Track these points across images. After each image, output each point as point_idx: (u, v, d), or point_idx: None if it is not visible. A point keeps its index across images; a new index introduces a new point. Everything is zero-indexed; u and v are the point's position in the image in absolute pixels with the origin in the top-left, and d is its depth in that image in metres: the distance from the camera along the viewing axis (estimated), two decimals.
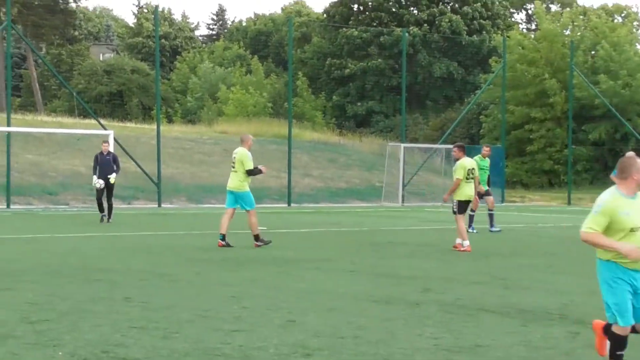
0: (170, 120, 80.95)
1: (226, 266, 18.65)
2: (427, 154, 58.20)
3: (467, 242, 22.56)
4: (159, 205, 44.28)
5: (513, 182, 66.42)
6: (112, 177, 30.97)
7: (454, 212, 23.01)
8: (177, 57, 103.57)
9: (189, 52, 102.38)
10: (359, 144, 66.62)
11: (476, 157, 28.57)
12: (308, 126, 71.89)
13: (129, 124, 66.81)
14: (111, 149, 36.79)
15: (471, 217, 28.95)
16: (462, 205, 23.22)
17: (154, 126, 51.52)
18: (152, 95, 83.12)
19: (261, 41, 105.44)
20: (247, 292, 14.70)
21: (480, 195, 28.58)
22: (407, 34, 66.15)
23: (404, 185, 52.49)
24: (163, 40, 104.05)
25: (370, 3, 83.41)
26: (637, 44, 75.27)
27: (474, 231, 28.41)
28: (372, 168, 57.96)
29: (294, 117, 67.79)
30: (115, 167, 31.40)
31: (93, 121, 51.32)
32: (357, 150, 64.15)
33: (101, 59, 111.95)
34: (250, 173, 22.75)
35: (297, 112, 76.51)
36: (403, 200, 51.58)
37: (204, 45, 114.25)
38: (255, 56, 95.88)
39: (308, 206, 47.21)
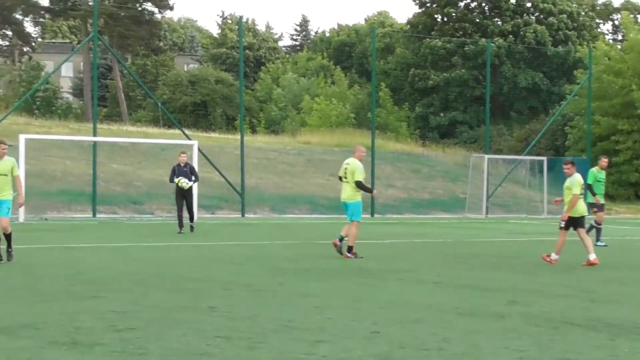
0: (253, 131, 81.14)
1: (309, 277, 18.65)
2: (512, 166, 57.86)
3: (556, 256, 22.31)
4: (243, 215, 44.52)
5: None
6: (186, 182, 30.89)
7: (560, 228, 22.60)
8: (261, 67, 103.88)
9: (272, 63, 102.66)
10: (443, 154, 66.47)
11: (594, 169, 28.46)
12: (391, 137, 71.85)
13: (212, 134, 67.31)
14: (195, 159, 37.08)
15: (598, 231, 28.62)
16: (573, 221, 22.79)
17: (238, 136, 51.80)
18: (236, 105, 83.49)
19: (344, 52, 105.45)
20: (331, 303, 14.68)
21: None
22: (491, 45, 65.73)
23: (487, 197, 52.26)
24: (247, 51, 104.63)
25: (454, 14, 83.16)
26: None
27: (603, 244, 28.02)
28: (456, 179, 57.78)
29: (377, 128, 67.90)
30: (193, 178, 31.51)
31: (177, 131, 51.76)
32: (441, 161, 64.01)
33: (185, 69, 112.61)
34: (358, 185, 22.75)
35: (380, 123, 76.45)
36: (487, 212, 51.39)
37: (287, 55, 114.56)
38: (338, 67, 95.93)
39: (391, 217, 47.16)
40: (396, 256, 24.51)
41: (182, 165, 31.28)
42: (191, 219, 31.75)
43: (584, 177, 23.90)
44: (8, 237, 20.07)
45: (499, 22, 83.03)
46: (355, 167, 22.83)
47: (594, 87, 65.78)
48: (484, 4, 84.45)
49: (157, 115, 70.51)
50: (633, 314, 14.18)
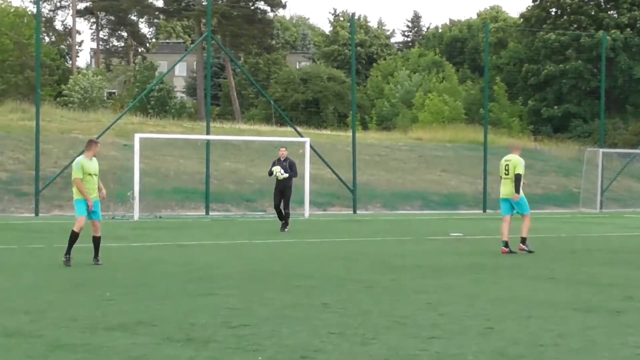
0: (365, 127, 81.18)
1: (421, 273, 18.65)
2: (627, 159, 57.19)
3: None
4: (354, 211, 44.59)
5: None
6: (281, 173, 30.84)
7: None
8: (373, 64, 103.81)
9: (384, 59, 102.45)
10: (556, 149, 65.96)
11: None
12: (504, 132, 71.32)
13: (324, 132, 67.45)
14: (307, 157, 37.24)
15: None
16: None
17: (349, 133, 51.88)
18: (348, 102, 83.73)
19: (457, 47, 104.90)
20: (444, 299, 14.67)
21: None
22: (607, 37, 64.96)
23: (602, 191, 51.74)
24: (359, 48, 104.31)
25: (568, 7, 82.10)
26: None
27: None
28: (569, 174, 57.25)
29: (489, 123, 67.68)
30: (291, 172, 31.53)
31: (289, 129, 52.02)
32: (554, 155, 63.52)
33: (297, 67, 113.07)
34: (516, 177, 23.37)
35: (492, 118, 76.10)
36: (601, 207, 50.88)
37: (399, 52, 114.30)
38: (450, 63, 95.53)
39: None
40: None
41: (282, 159, 31.38)
42: (285, 216, 31.52)
43: None
44: (97, 241, 19.71)
45: (615, 15, 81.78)
46: (517, 162, 23.47)
47: None
48: None
49: (270, 113, 71.16)
50: None
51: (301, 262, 20.69)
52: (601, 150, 53.17)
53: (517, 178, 22.99)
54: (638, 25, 79.24)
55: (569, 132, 76.66)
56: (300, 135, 45.96)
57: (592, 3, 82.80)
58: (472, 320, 12.57)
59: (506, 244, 22.97)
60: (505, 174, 23.18)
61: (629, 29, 79.05)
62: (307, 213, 40.03)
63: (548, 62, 79.83)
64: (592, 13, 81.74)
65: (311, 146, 41.89)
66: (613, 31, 77.69)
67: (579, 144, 66.09)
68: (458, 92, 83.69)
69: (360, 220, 39.90)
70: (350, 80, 57.52)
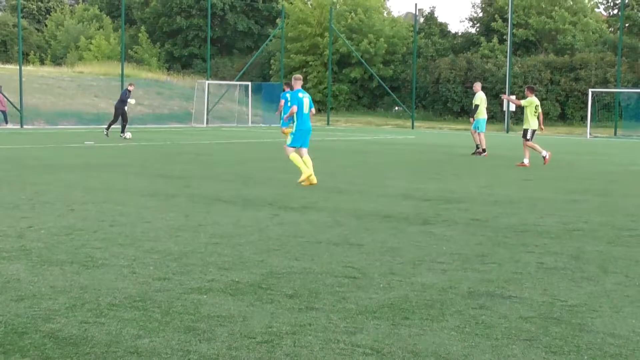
0: (42, 63, 78.62)
1: (43, 169, 18.34)
2: (227, 88, 58.24)
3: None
4: (21, 126, 43.12)
5: None
6: None
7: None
8: (48, 15, 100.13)
9: (56, 12, 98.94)
10: (182, 80, 65.80)
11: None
12: (146, 68, 70.59)
13: (9, 66, 64.48)
14: None
15: None
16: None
17: (29, 67, 50.50)
18: (29, 44, 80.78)
19: (115, 5, 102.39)
20: (47, 189, 14.55)
21: None
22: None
23: (208, 111, 52.52)
24: (39, 2, 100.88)
25: None
26: (384, 12, 76.00)
27: None
28: (189, 99, 57.38)
29: (135, 61, 67.33)
30: None
31: None
32: (180, 85, 63.31)
33: None
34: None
35: (137, 57, 75.41)
36: (207, 122, 51.63)
37: (70, 6, 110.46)
38: (109, 16, 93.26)
39: (137, 127, 46.64)
40: (120, 155, 24.32)
41: None
42: None
43: None
44: None
45: None
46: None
47: (292, 33, 67.30)
48: None
49: None
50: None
51: None
52: (207, 81, 53.85)
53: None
54: None
55: (192, 69, 76.86)
56: None
57: None
58: (58, 205, 12.57)
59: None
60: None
61: None
62: None
63: (179, 17, 79.50)
64: None
65: None
66: None
67: (198, 77, 66.27)
68: (111, 38, 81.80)
69: (26, 132, 38.66)
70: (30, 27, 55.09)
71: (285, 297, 6.84)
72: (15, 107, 43.49)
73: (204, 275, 7.61)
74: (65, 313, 6.21)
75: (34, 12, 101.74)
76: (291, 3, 71.21)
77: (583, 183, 17.91)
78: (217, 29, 78.25)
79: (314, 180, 16.11)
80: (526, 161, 22.40)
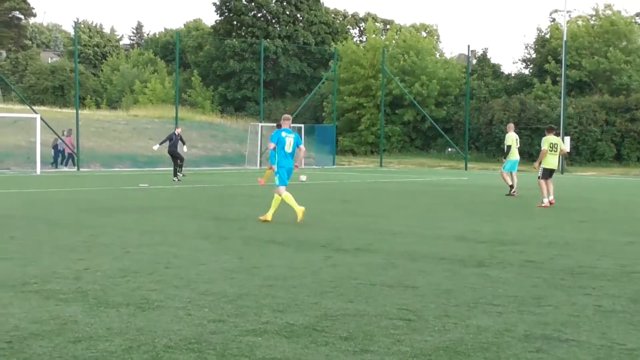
0: (98, 107, 79.97)
1: (102, 213, 18.55)
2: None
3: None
4: (78, 169, 43.74)
5: (345, 150, 67.61)
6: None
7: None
8: (104, 59, 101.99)
9: (112, 57, 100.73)
10: (235, 123, 66.40)
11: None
12: (199, 111, 71.43)
13: (65, 110, 65.65)
14: (37, 128, 36.11)
15: None
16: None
17: (85, 111, 51.57)
18: (85, 89, 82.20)
19: (169, 49, 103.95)
20: (103, 232, 14.68)
21: None
22: (271, 44, 66.05)
23: (261, 153, 52.87)
24: (95, 48, 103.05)
25: (246, 22, 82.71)
26: (436, 53, 76.22)
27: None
28: (242, 141, 57.79)
29: (190, 104, 68.26)
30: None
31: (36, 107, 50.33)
32: (234, 128, 63.89)
33: (49, 61, 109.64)
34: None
35: (191, 100, 76.37)
36: (260, 165, 51.97)
37: (125, 51, 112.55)
38: (163, 60, 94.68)
39: (192, 169, 47.02)
40: (174, 198, 24.50)
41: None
42: None
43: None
44: None
45: (278, 28, 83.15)
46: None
47: (344, 75, 67.66)
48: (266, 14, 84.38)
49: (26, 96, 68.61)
50: (318, 235, 14.62)
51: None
52: (260, 124, 54.24)
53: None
54: (292, 36, 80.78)
55: (245, 111, 77.52)
56: (35, 111, 44.59)
57: (262, 19, 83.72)
58: (114, 247, 12.70)
59: None
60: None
61: (286, 40, 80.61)
62: (38, 170, 39.31)
63: (231, 61, 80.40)
64: (264, 26, 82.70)
65: (41, 119, 40.97)
66: (277, 40, 79.12)
67: (251, 120, 66.83)
68: (165, 81, 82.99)
69: (82, 175, 39.18)
70: (87, 72, 56.18)
71: (339, 339, 6.82)
72: (72, 150, 44.17)
73: (258, 317, 7.62)
74: (122, 355, 6.26)
75: (90, 57, 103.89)
76: (344, 45, 71.73)
77: (639, 225, 17.68)
78: (270, 72, 78.97)
79: (300, 215, 16.88)
80: (545, 201, 22.17)
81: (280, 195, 17.12)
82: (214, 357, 6.20)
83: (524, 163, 57.30)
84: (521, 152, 60.02)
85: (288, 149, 17.05)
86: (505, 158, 27.28)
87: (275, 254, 12.11)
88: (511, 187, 26.74)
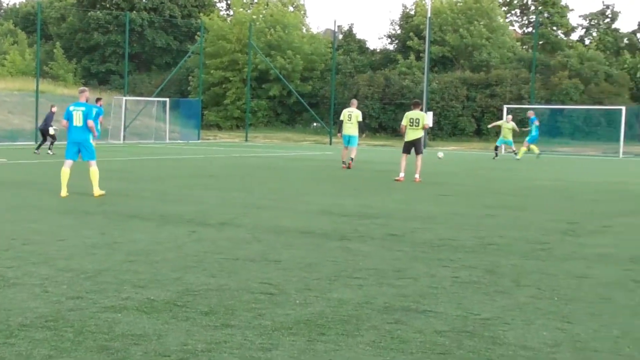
0: None
1: None
2: (144, 104, 57.77)
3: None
4: None
5: (210, 125, 67.28)
6: None
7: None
8: None
9: None
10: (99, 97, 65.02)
11: None
12: (61, 84, 69.59)
13: None
14: None
15: None
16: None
17: None
18: None
19: (30, 20, 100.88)
20: None
21: None
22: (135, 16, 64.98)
23: (125, 127, 52.00)
24: None
25: None
26: (303, 28, 76.33)
27: None
28: (106, 115, 56.69)
29: (50, 77, 66.29)
30: None
31: None
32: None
33: None
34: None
35: (52, 73, 74.42)
36: (124, 139, 51.11)
37: None
38: (23, 31, 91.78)
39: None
40: (35, 173, 23.88)
41: None
42: None
43: None
44: None
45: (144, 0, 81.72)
46: (358, 113, 28.09)
47: (211, 49, 67.15)
48: None
49: None
50: (184, 208, 14.52)
51: None
52: (124, 97, 53.36)
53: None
54: (158, 9, 79.54)
55: (109, 85, 76.09)
56: None
57: None
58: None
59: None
60: (349, 120, 28.20)
61: (152, 12, 79.37)
62: None
63: (96, 33, 78.65)
64: None
65: None
66: (143, 12, 77.83)
67: (115, 94, 65.57)
68: (26, 54, 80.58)
69: None
70: None
71: (201, 314, 6.79)
72: None
73: (118, 293, 7.51)
74: None
75: None
76: (210, 19, 71.15)
77: (498, 198, 18.20)
78: (135, 45, 77.50)
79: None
80: (401, 175, 22.74)
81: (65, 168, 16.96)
82: (71, 335, 6.07)
83: (388, 137, 58.32)
84: (386, 127, 61.24)
85: (77, 122, 16.79)
86: (339, 133, 28.61)
87: (139, 228, 11.97)
88: (344, 162, 27.90)
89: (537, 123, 38.20)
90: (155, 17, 78.67)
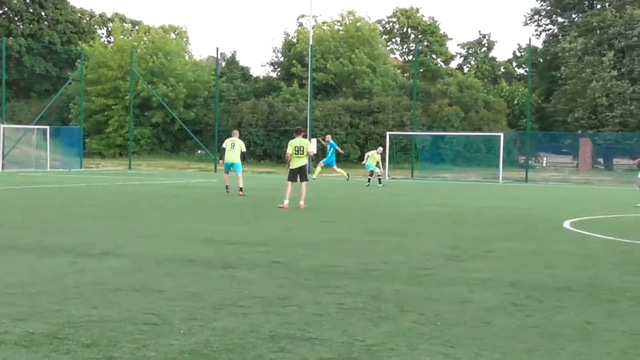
0: None
1: None
2: (24, 132, 56.53)
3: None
4: None
5: (93, 153, 66.20)
6: None
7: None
8: None
9: None
10: None
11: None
12: None
13: None
14: None
15: None
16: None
17: None
18: None
19: None
20: None
21: None
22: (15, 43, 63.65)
23: (4, 156, 50.69)
24: None
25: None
26: (185, 55, 76.10)
27: None
28: None
29: None
30: None
31: None
32: None
33: None
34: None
35: None
36: (3, 168, 49.78)
37: None
38: None
39: None
40: None
41: None
42: None
43: None
44: None
45: (22, 26, 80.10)
46: (241, 143, 28.63)
47: (92, 76, 66.31)
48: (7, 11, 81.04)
49: None
50: (62, 239, 14.21)
51: None
52: (2, 125, 52.06)
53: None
54: (37, 35, 78.13)
55: None
56: None
57: (3, 16, 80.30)
58: None
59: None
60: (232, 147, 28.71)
61: (30, 38, 77.86)
62: None
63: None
64: (5, 24, 79.30)
65: None
66: (20, 38, 76.29)
67: None
68: None
69: None
70: None
71: (82, 347, 6.63)
72: None
73: None
74: None
75: None
76: (91, 46, 70.29)
77: (382, 224, 18.40)
78: (13, 72, 75.81)
79: None
80: (285, 202, 22.77)
81: None
82: None
83: (273, 164, 58.45)
84: (270, 154, 61.34)
85: None
86: (221, 159, 29.93)
87: (17, 260, 11.65)
88: (227, 187, 28.80)
89: (337, 148, 42.17)
90: (34, 44, 77.19)
